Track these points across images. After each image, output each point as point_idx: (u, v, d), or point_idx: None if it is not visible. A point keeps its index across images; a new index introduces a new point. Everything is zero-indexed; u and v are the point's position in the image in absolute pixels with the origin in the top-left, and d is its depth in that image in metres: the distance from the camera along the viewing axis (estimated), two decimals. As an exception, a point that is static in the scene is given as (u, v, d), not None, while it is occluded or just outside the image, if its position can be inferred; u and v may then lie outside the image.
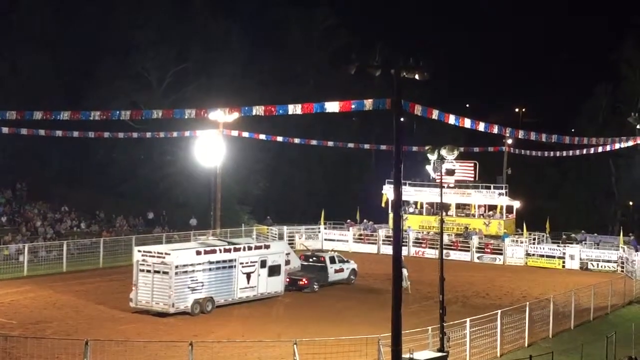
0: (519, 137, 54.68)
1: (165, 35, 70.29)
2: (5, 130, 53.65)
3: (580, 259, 55.62)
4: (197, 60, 72.10)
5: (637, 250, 53.02)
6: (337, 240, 62.93)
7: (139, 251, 38.08)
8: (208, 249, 38.79)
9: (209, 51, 71.94)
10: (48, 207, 63.00)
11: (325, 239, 63.11)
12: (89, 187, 68.94)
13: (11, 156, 64.95)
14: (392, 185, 24.56)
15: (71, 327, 33.87)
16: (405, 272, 41.24)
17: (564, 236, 61.27)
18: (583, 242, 59.36)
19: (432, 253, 57.31)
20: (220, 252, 38.98)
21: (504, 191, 62.30)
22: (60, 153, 68.50)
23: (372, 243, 62.21)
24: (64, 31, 69.63)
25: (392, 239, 24.42)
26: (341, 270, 46.69)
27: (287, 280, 43.13)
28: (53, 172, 68.64)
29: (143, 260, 37.19)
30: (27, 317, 35.65)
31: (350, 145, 69.62)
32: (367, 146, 71.25)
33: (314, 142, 67.34)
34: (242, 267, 39.68)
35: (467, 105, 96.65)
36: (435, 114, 42.88)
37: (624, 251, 54.69)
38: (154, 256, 37.08)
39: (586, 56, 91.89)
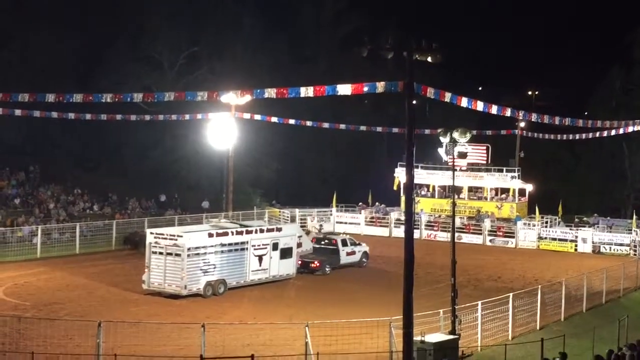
0: (532, 120, 54.55)
1: (177, 18, 70.26)
2: (18, 112, 53.81)
3: (593, 243, 55.48)
4: (209, 43, 72.04)
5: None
6: (349, 223, 62.96)
7: (152, 233, 38.21)
8: (220, 231, 38.87)
9: (220, 34, 71.87)
10: (61, 189, 63.20)
11: (337, 222, 63.13)
12: (101, 170, 69.15)
13: (24, 139, 65.11)
14: (404, 168, 24.50)
15: (84, 308, 34.05)
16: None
17: (576, 219, 61.18)
18: (595, 225, 59.26)
19: (443, 236, 57.23)
20: (233, 234, 39.05)
21: (516, 174, 62.22)
22: (73, 136, 68.62)
23: (384, 226, 62.21)
24: (75, 14, 69.56)
25: (404, 222, 24.38)
26: (353, 253, 46.73)
27: (299, 262, 43.18)
28: (66, 155, 68.79)
29: (155, 242, 37.31)
30: (40, 299, 35.85)
31: (363, 128, 69.52)
32: (379, 129, 71.09)
33: (325, 125, 67.26)
34: (254, 249, 39.75)
35: (480, 89, 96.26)
36: (447, 97, 42.80)
37: (636, 234, 54.57)
38: (166, 238, 37.20)
39: (600, 39, 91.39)
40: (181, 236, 37.08)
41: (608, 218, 61.85)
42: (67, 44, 68.24)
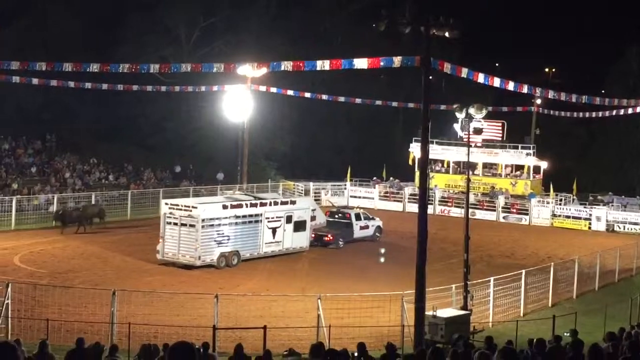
0: (549, 97, 54.29)
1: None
2: (35, 81, 53.99)
3: (607, 221, 55.41)
4: (226, 16, 71.95)
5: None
6: (363, 198, 63.04)
7: (166, 204, 38.43)
8: (234, 203, 39.04)
9: (237, 7, 71.75)
10: (77, 158, 63.58)
11: (351, 196, 63.20)
12: (117, 140, 69.37)
13: (41, 108, 65.36)
14: (419, 144, 24.54)
15: (99, 277, 34.36)
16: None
17: (590, 197, 61.03)
18: (610, 203, 59.12)
19: (457, 212, 57.19)
20: (247, 206, 39.22)
21: (531, 151, 62.11)
22: (90, 106, 68.78)
23: (398, 201, 62.23)
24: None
25: (418, 197, 24.43)
26: (366, 227, 46.86)
27: (313, 236, 43.33)
28: (82, 125, 69.03)
29: (170, 213, 37.52)
30: (55, 267, 36.21)
31: (378, 102, 69.34)
32: (394, 104, 70.89)
33: (341, 99, 67.12)
34: (268, 222, 39.93)
35: (497, 65, 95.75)
36: (464, 73, 42.59)
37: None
38: (181, 209, 37.39)
39: (617, 18, 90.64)
40: (195, 207, 37.27)
41: (622, 197, 61.65)
42: (85, 15, 68.29)
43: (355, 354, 17.73)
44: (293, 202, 42.73)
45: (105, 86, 56.60)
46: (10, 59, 45.79)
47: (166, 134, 70.13)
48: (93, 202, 49.84)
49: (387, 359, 17.26)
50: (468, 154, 31.87)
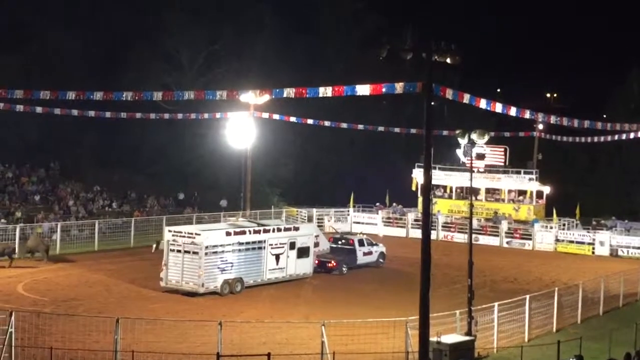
0: (551, 122, 54.41)
1: (198, 17, 70.50)
2: (39, 110, 54.22)
3: (611, 246, 55.30)
4: (229, 43, 72.25)
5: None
6: (366, 223, 63.02)
7: (170, 231, 38.39)
8: (238, 230, 39.02)
9: (240, 34, 72.07)
10: (81, 186, 63.63)
11: (354, 222, 63.22)
12: (121, 168, 69.46)
13: (45, 136, 65.52)
14: (422, 169, 24.60)
15: (102, 305, 34.27)
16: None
17: (594, 222, 60.95)
18: (613, 228, 59.04)
19: (461, 237, 57.18)
20: (250, 233, 39.20)
21: (534, 176, 62.13)
22: (93, 133, 68.96)
23: (401, 226, 62.23)
24: (96, 13, 70.00)
25: (421, 222, 24.42)
26: (370, 253, 46.79)
27: (316, 262, 43.24)
28: (86, 152, 69.17)
29: (173, 240, 37.50)
30: (59, 295, 36.12)
31: (381, 128, 69.53)
32: (397, 130, 71.10)
33: (344, 126, 67.33)
34: (272, 248, 39.89)
35: (498, 90, 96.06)
36: (466, 98, 42.81)
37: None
38: (184, 236, 37.38)
39: (619, 42, 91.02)
40: (199, 234, 37.26)
41: (626, 221, 61.59)
42: (88, 42, 68.65)
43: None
44: (296, 229, 42.71)
45: (108, 114, 56.80)
46: (14, 87, 46.00)
47: (169, 161, 70.27)
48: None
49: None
50: (471, 180, 31.89)
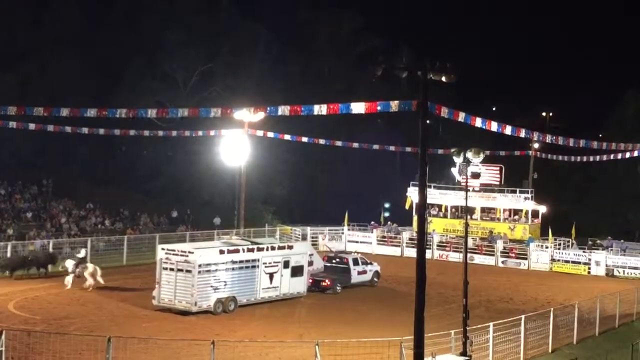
0: (547, 141, 54.36)
1: (193, 35, 70.58)
2: (32, 126, 54.03)
3: (606, 265, 55.10)
4: (224, 61, 72.29)
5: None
6: (361, 242, 62.75)
7: (163, 249, 38.13)
8: (231, 248, 38.78)
9: (236, 52, 72.15)
10: (73, 203, 63.39)
11: (349, 241, 62.96)
12: (114, 185, 69.29)
13: (38, 153, 65.35)
14: (416, 188, 24.41)
15: (94, 323, 33.95)
16: None
17: (589, 242, 60.79)
18: (609, 248, 58.89)
19: (456, 256, 57.01)
20: (244, 251, 38.95)
21: (529, 195, 62.02)
22: (87, 150, 68.87)
23: (396, 245, 61.99)
24: (92, 32, 70.06)
25: (416, 241, 24.22)
26: (364, 272, 46.53)
27: (310, 281, 43.01)
28: (79, 170, 69.03)
29: (166, 258, 37.25)
30: (50, 313, 35.78)
31: (375, 147, 69.47)
32: (392, 148, 71.06)
33: (338, 144, 67.28)
34: (265, 267, 39.63)
35: (494, 109, 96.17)
36: (461, 117, 42.73)
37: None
38: (177, 254, 37.12)
39: (615, 63, 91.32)
40: (192, 252, 37.00)
41: (622, 241, 61.45)
42: (84, 61, 68.64)
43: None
44: (290, 247, 42.44)
45: (102, 131, 56.64)
46: (7, 104, 45.82)
47: (163, 178, 70.11)
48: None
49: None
50: (466, 198, 31.69)
